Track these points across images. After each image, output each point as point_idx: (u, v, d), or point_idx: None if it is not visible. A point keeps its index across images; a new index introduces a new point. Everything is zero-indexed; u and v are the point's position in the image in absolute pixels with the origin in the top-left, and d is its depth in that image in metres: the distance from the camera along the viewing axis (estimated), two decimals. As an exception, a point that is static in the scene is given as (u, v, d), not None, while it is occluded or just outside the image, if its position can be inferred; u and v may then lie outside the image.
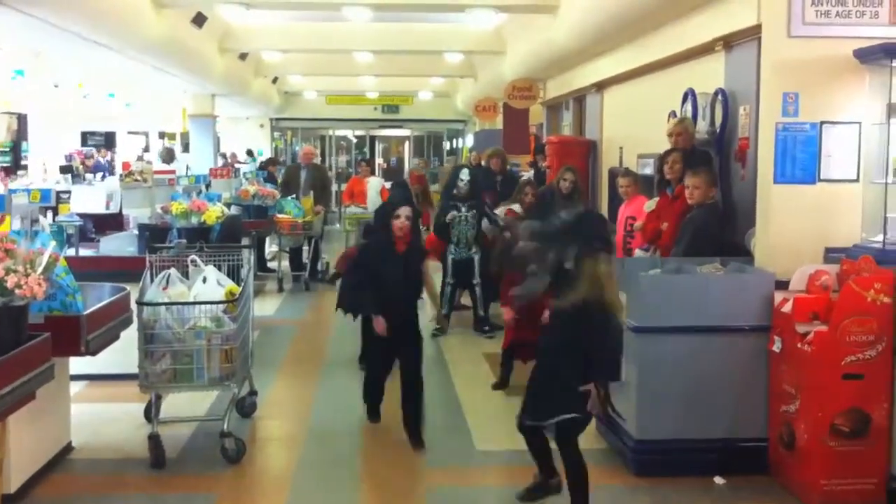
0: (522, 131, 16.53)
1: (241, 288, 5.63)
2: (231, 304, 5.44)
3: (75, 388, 6.31)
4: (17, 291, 4.19)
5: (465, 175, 8.91)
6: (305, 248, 12.79)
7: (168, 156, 16.83)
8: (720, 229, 6.28)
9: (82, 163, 17.73)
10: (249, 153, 24.65)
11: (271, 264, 13.50)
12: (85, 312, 4.91)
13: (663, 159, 6.81)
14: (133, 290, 5.51)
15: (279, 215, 11.95)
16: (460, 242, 8.99)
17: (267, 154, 24.45)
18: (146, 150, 22.28)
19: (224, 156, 22.42)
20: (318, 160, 21.57)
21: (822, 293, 4.93)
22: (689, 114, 7.27)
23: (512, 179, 10.84)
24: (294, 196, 12.27)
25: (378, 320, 5.66)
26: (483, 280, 8.93)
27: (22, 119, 15.71)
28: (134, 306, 5.39)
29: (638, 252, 6.86)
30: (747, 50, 6.42)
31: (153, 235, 7.55)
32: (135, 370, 5.36)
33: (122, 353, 5.59)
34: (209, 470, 5.30)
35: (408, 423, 5.73)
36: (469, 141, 26.64)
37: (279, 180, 14.17)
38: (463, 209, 8.94)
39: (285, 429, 6.23)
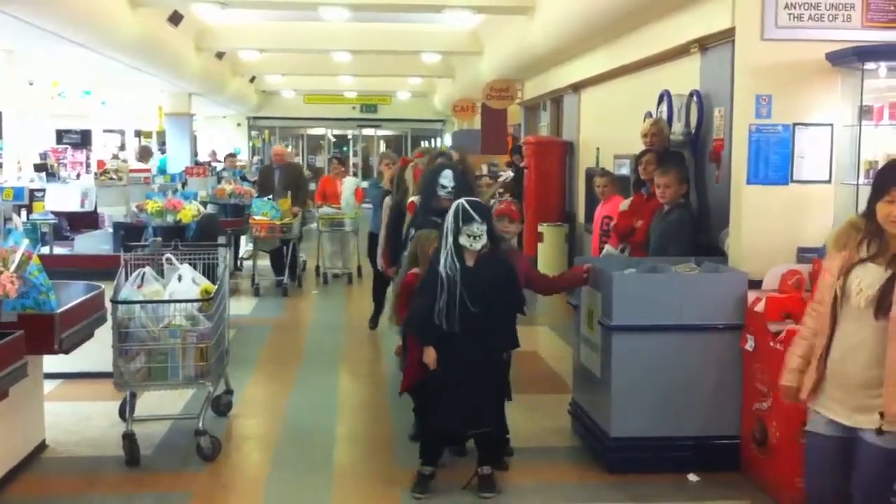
0: (500, 131, 16.58)
1: (216, 286, 5.61)
2: (206, 303, 5.43)
3: (49, 386, 6.26)
4: (-11, 289, 4.17)
5: (447, 178, 6.09)
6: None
7: (144, 154, 16.47)
8: (695, 228, 6.34)
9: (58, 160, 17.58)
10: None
11: (247, 263, 13.40)
12: (59, 310, 4.88)
13: (638, 160, 6.86)
14: (108, 289, 5.48)
15: (255, 217, 11.33)
16: None
17: (244, 154, 24.32)
18: (122, 148, 22.15)
19: (196, 155, 22.25)
20: (297, 159, 21.34)
21: (794, 292, 4.98)
22: (665, 115, 7.32)
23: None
24: (269, 197, 11.69)
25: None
26: None
27: (-3, 117, 15.57)
28: (108, 304, 5.36)
29: (608, 248, 6.90)
30: (722, 52, 6.47)
31: (128, 234, 7.51)
32: (109, 368, 5.33)
33: (97, 352, 5.56)
34: (184, 468, 5.29)
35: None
36: (447, 140, 26.67)
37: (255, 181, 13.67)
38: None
39: (261, 427, 6.22)
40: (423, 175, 6.54)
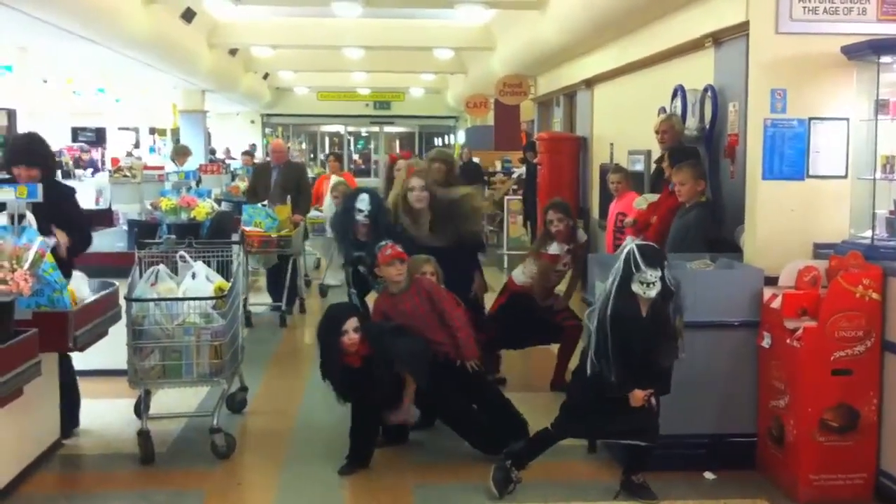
0: (513, 128, 16.57)
1: (230, 284, 5.61)
2: (220, 300, 5.43)
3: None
4: (2, 287, 4.18)
5: (364, 203, 5.90)
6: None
7: (181, 153, 15.46)
8: (715, 228, 6.29)
9: (80, 158, 17.62)
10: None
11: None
12: (72, 308, 4.89)
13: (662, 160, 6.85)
14: (122, 286, 5.49)
15: (247, 228, 9.23)
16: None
17: (260, 150, 24.36)
18: (136, 145, 22.23)
19: (213, 152, 22.33)
20: (309, 156, 21.08)
21: (810, 289, 4.94)
22: (679, 110, 7.28)
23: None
24: (264, 203, 9.65)
25: None
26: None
27: (11, 115, 15.64)
28: (122, 302, 5.37)
29: (628, 241, 6.84)
30: (736, 46, 6.42)
31: (142, 231, 7.54)
32: (124, 366, 5.34)
33: (112, 350, 5.57)
34: (199, 466, 5.29)
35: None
36: (461, 137, 26.66)
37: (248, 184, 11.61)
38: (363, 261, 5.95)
39: (275, 424, 6.21)
40: (342, 199, 6.40)
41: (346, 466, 5.22)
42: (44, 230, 4.79)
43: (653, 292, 4.46)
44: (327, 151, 30.44)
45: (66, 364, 5.65)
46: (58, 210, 5.28)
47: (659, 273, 4.46)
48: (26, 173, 5.29)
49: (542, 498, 4.85)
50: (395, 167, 7.16)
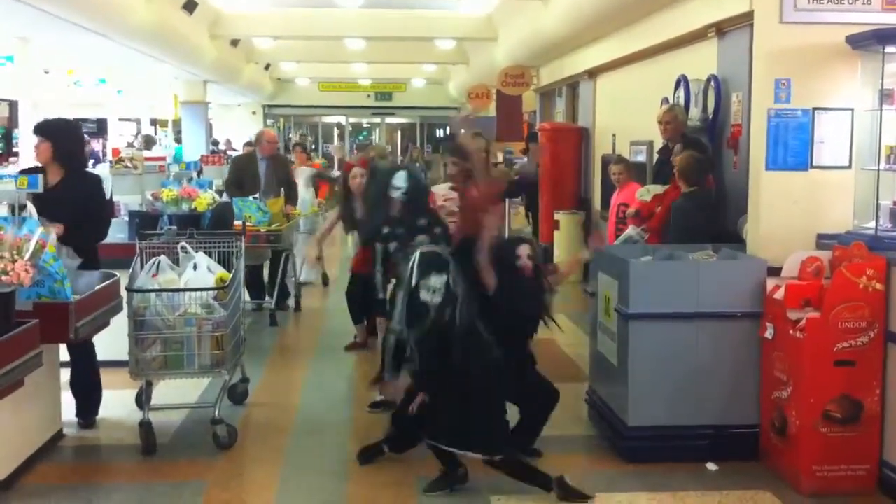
0: (515, 118, 16.51)
1: (231, 275, 5.60)
2: (221, 291, 5.42)
3: (66, 375, 6.26)
4: (3, 278, 4.18)
5: (400, 180, 5.67)
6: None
7: (147, 142, 16.27)
8: (713, 215, 6.28)
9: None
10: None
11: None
12: (74, 299, 4.88)
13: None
14: (123, 277, 5.48)
15: (238, 223, 8.15)
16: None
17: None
18: (137, 136, 22.24)
19: (216, 143, 22.33)
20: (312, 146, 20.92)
21: (814, 280, 4.92)
22: (682, 101, 7.26)
23: None
24: (255, 196, 9.14)
25: None
26: None
27: (13, 106, 15.65)
28: (124, 293, 5.36)
29: (630, 229, 6.84)
30: (740, 36, 6.41)
31: (143, 222, 7.50)
32: (125, 357, 5.33)
33: (113, 341, 5.56)
34: (200, 457, 5.29)
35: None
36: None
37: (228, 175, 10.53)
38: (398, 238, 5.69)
39: (276, 415, 6.20)
40: (374, 173, 6.26)
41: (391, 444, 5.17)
42: (61, 219, 4.89)
43: (438, 298, 4.43)
44: (334, 142, 30.39)
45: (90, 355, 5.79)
46: (84, 204, 5.57)
47: (444, 279, 4.44)
48: (36, 145, 5.61)
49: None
50: (350, 175, 7.18)
